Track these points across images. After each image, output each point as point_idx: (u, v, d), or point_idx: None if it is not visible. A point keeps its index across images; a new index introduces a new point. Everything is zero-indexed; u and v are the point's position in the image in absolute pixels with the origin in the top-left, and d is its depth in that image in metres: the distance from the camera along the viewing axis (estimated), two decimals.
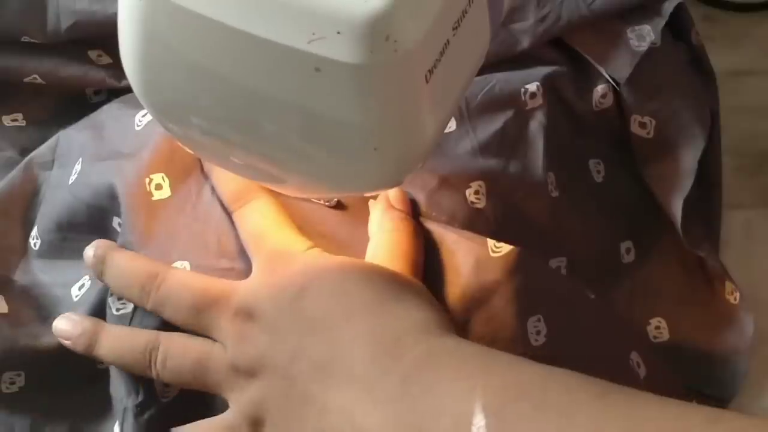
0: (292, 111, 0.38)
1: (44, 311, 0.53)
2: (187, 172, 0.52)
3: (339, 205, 0.53)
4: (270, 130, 0.40)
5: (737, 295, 0.56)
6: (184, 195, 0.52)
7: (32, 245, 0.55)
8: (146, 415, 0.49)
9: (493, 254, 0.50)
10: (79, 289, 0.54)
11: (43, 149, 0.58)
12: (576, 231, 0.55)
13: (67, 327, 0.50)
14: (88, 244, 0.51)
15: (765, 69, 0.63)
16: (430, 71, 0.37)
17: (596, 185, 0.57)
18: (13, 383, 0.52)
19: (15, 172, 0.57)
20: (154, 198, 0.51)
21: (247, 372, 0.47)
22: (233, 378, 0.47)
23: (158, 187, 0.52)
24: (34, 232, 0.55)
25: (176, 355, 0.48)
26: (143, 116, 0.54)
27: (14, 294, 0.54)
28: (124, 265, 0.50)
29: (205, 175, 0.52)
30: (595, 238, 0.55)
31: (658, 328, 0.55)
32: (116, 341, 0.49)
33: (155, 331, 0.49)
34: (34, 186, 0.57)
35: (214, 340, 0.48)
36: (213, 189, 0.52)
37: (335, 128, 0.38)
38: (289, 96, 0.37)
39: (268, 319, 0.47)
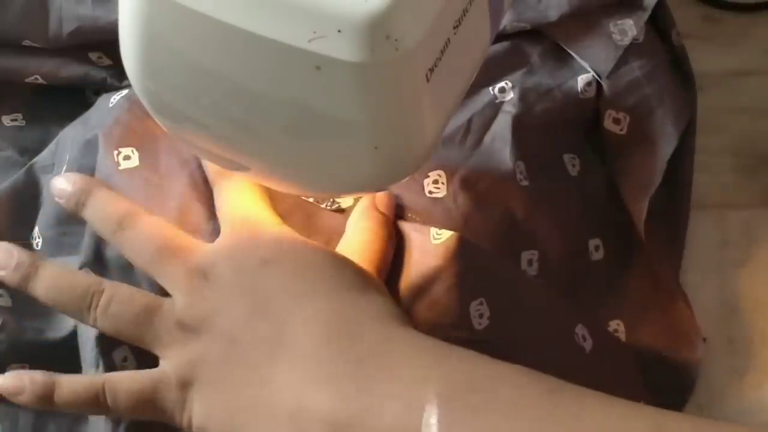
0: (293, 109, 0.38)
1: (47, 305, 0.53)
2: (157, 145, 0.53)
3: (340, 209, 0.53)
4: (270, 129, 0.40)
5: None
6: (151, 166, 0.52)
7: (34, 245, 0.55)
8: None
9: (434, 241, 0.50)
10: None
11: (45, 153, 0.58)
12: (546, 223, 0.54)
13: (0, 257, 0.50)
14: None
15: (765, 69, 0.63)
16: (431, 70, 0.37)
17: (570, 178, 0.56)
18: None
19: (18, 176, 0.57)
20: (120, 167, 0.52)
21: (192, 329, 0.47)
22: (176, 333, 0.47)
23: (126, 158, 0.52)
24: (35, 232, 0.55)
25: (122, 300, 0.48)
26: (118, 95, 0.55)
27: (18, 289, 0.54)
28: (107, 200, 0.51)
29: (175, 150, 0.53)
30: (564, 231, 0.55)
31: (616, 331, 0.55)
32: (56, 279, 0.49)
33: (100, 277, 0.49)
34: (36, 189, 0.57)
35: (164, 296, 0.48)
36: (181, 163, 0.52)
37: (335, 127, 0.38)
38: (290, 94, 0.38)
39: (225, 282, 0.47)
